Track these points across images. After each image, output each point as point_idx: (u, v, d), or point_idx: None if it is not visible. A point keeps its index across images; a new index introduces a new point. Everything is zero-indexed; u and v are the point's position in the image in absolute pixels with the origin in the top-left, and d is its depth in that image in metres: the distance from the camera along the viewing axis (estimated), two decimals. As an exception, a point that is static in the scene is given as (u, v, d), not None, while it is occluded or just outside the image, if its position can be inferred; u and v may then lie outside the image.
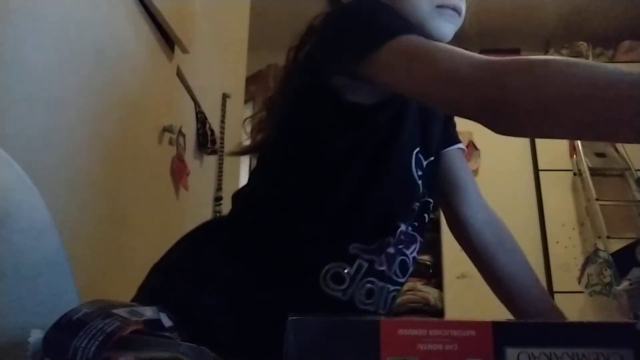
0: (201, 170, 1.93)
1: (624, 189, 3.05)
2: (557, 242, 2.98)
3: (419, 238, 0.84)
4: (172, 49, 1.55)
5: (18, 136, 0.85)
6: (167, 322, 0.50)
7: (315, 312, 0.40)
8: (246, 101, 2.88)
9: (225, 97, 2.20)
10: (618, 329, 0.40)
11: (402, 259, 0.81)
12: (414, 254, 0.84)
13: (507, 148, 3.04)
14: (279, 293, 0.73)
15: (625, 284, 0.76)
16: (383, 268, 0.78)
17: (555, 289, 2.83)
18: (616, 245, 2.12)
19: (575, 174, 3.11)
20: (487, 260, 0.96)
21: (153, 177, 1.46)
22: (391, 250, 0.79)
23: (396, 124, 0.81)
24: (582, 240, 2.99)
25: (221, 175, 2.14)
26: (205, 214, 2.04)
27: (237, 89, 2.49)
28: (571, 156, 3.14)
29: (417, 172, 0.83)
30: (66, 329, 0.43)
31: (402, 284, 0.83)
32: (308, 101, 0.81)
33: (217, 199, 2.11)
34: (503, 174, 3.07)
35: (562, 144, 3.11)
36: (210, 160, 2.04)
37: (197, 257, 0.80)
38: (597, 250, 2.50)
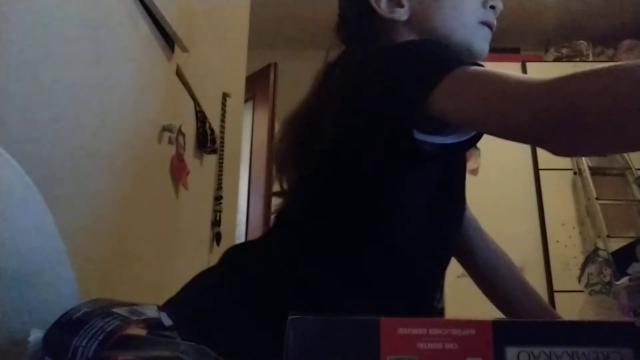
0: (201, 170, 1.93)
1: (624, 188, 3.06)
2: (557, 241, 2.98)
3: None
4: (172, 48, 1.55)
5: (17, 136, 0.85)
6: (167, 321, 0.50)
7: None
8: (246, 100, 2.88)
9: (225, 96, 2.20)
10: (618, 328, 0.40)
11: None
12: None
13: (507, 147, 3.04)
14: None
15: (624, 280, 0.76)
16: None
17: (555, 288, 2.83)
18: (616, 244, 2.11)
19: (575, 173, 3.11)
20: (478, 261, 0.99)
21: (152, 177, 1.46)
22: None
23: (450, 176, 0.82)
24: (582, 239, 2.99)
25: (221, 175, 2.14)
26: (205, 213, 2.04)
27: (237, 88, 2.49)
28: (571, 155, 3.15)
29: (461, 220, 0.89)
30: (66, 328, 0.43)
31: None
32: (371, 146, 0.76)
33: (217, 199, 2.11)
34: (503, 173, 3.07)
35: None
36: (210, 160, 2.04)
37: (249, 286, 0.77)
38: (597, 249, 2.50)
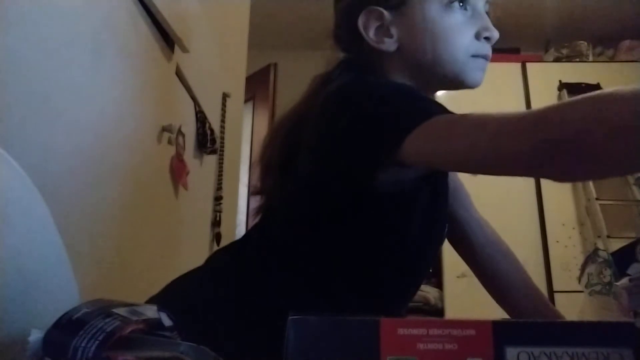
0: (201, 170, 1.93)
1: (624, 189, 3.06)
2: (557, 242, 2.98)
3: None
4: (172, 48, 1.55)
5: (17, 136, 0.85)
6: (167, 321, 0.50)
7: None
8: (246, 101, 2.88)
9: (225, 96, 2.20)
10: (618, 328, 0.40)
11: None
12: None
13: (507, 147, 3.04)
14: None
15: (624, 280, 0.76)
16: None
17: (555, 288, 2.83)
18: (616, 244, 2.11)
19: (575, 174, 3.11)
20: (484, 258, 0.99)
21: (152, 177, 1.46)
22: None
23: (430, 209, 0.81)
24: (582, 239, 2.99)
25: (221, 175, 2.14)
26: (205, 213, 2.04)
27: (237, 89, 2.49)
28: (571, 156, 3.14)
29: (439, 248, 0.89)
30: (66, 328, 0.43)
31: None
32: (340, 186, 0.76)
33: (217, 199, 2.11)
34: (503, 173, 3.07)
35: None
36: (210, 160, 2.04)
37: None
38: (597, 249, 2.50)
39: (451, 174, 0.99)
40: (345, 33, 0.87)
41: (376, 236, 0.77)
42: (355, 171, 0.72)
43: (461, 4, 0.82)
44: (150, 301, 0.80)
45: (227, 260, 0.87)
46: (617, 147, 0.51)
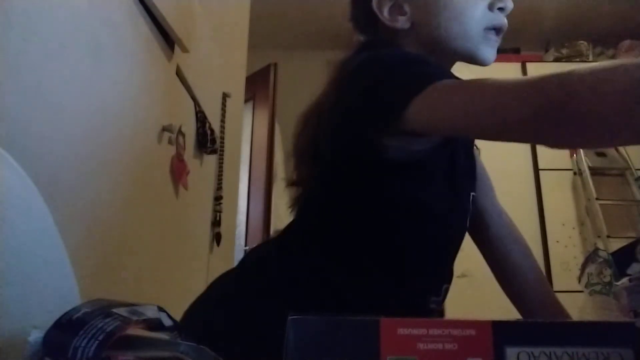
0: (201, 170, 1.93)
1: (624, 189, 3.06)
2: (557, 242, 2.98)
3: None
4: (172, 48, 1.55)
5: (17, 136, 0.85)
6: (167, 321, 0.50)
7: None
8: (246, 101, 2.88)
9: (225, 96, 2.20)
10: (618, 328, 0.40)
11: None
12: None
13: (507, 147, 3.04)
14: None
15: (624, 280, 0.76)
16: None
17: (555, 288, 2.81)
18: (616, 244, 2.12)
19: (575, 173, 3.11)
20: (502, 253, 0.99)
21: (152, 177, 1.46)
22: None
23: (451, 172, 0.80)
24: (582, 239, 2.99)
25: (221, 175, 2.14)
26: (205, 213, 2.04)
27: (237, 89, 2.49)
28: (571, 155, 3.15)
29: (467, 218, 0.86)
30: (66, 328, 0.43)
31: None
32: (356, 161, 0.77)
33: (217, 199, 2.11)
34: (503, 173, 3.06)
35: (562, 144, 3.11)
36: (210, 160, 2.04)
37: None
38: (597, 249, 2.50)
39: (478, 161, 0.99)
40: (362, 15, 0.88)
41: (398, 208, 0.77)
42: (364, 141, 0.73)
43: None
44: (197, 301, 0.83)
45: (269, 250, 0.88)
46: (618, 109, 0.51)
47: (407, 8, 0.84)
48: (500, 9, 0.82)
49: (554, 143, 0.60)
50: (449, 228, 0.83)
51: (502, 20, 0.82)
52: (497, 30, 0.82)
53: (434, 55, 0.82)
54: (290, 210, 0.89)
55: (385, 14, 0.84)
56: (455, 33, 0.81)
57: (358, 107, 0.72)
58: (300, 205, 0.88)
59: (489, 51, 0.82)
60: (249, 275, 0.83)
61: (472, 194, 0.87)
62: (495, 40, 0.83)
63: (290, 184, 0.89)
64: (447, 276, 0.86)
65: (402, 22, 0.84)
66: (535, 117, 0.56)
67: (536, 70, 3.35)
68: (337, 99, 0.78)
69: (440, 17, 0.81)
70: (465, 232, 0.87)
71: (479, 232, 1.01)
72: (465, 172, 0.86)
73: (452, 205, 0.82)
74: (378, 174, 0.76)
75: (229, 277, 0.88)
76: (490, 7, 0.82)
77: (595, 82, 0.53)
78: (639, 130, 0.52)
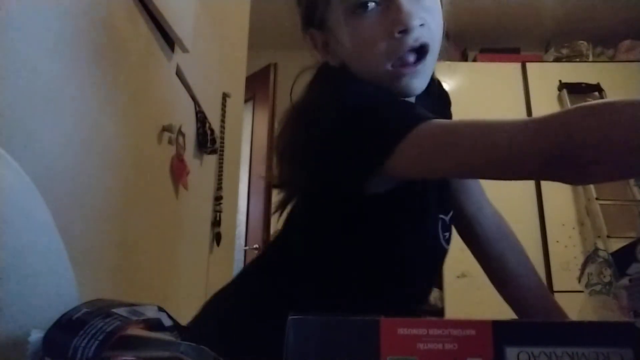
0: (201, 170, 1.93)
1: (624, 189, 3.06)
2: (557, 242, 2.98)
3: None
4: (172, 48, 1.55)
5: (17, 136, 0.85)
6: (167, 321, 0.50)
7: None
8: (246, 101, 2.88)
9: (225, 96, 2.20)
10: (618, 328, 0.40)
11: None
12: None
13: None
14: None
15: (624, 280, 0.76)
16: None
17: (555, 288, 2.83)
18: (616, 244, 2.12)
19: (575, 174, 3.11)
20: (495, 257, 0.98)
21: (152, 177, 1.46)
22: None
23: (419, 202, 0.79)
24: (582, 239, 2.99)
25: (221, 175, 2.14)
26: (205, 213, 2.04)
27: (237, 89, 2.49)
28: (571, 155, 3.14)
29: (443, 236, 0.83)
30: (66, 328, 0.43)
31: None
32: (332, 192, 0.74)
33: (217, 199, 2.11)
34: (503, 173, 3.07)
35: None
36: (210, 160, 2.04)
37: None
38: (597, 249, 2.49)
39: None
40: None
41: (369, 238, 0.76)
42: (343, 186, 0.71)
43: (366, 6, 0.72)
44: (192, 324, 0.81)
45: (254, 273, 0.89)
46: (627, 161, 0.52)
47: (332, 47, 0.79)
48: (403, 32, 0.71)
49: (556, 180, 0.61)
50: (423, 254, 0.82)
51: (409, 43, 0.71)
52: (415, 51, 0.73)
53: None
54: (273, 213, 0.89)
55: (319, 49, 0.81)
56: (366, 75, 0.74)
57: (337, 151, 0.68)
58: (286, 218, 0.87)
59: (406, 83, 0.73)
60: (242, 301, 0.82)
61: (442, 217, 0.85)
62: (411, 73, 0.73)
63: (274, 185, 0.89)
64: (427, 292, 0.89)
65: (332, 60, 0.80)
66: (541, 167, 0.56)
67: (536, 70, 3.34)
68: (309, 135, 0.72)
69: (353, 58, 0.76)
70: (444, 252, 0.86)
71: (471, 240, 1.00)
72: (435, 198, 0.84)
73: (423, 233, 0.82)
74: (351, 207, 0.75)
75: (224, 302, 0.87)
76: (391, 35, 0.71)
77: (604, 131, 0.52)
78: None
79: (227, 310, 0.82)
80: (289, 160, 0.80)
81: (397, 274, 0.79)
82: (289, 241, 0.84)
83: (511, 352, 0.39)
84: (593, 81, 3.22)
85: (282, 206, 0.84)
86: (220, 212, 2.10)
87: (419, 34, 0.72)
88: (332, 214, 0.77)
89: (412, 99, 0.79)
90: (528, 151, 0.57)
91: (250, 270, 0.91)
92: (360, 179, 0.68)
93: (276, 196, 0.87)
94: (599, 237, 2.85)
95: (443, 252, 0.85)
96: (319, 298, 0.75)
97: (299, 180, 0.78)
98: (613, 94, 3.11)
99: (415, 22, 0.71)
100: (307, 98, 0.79)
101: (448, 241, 0.85)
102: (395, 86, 0.74)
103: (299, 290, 0.77)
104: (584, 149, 0.53)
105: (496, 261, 0.98)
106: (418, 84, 0.75)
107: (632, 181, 2.99)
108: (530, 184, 3.10)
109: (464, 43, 3.61)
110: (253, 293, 0.82)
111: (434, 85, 0.87)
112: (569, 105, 2.72)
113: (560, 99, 3.25)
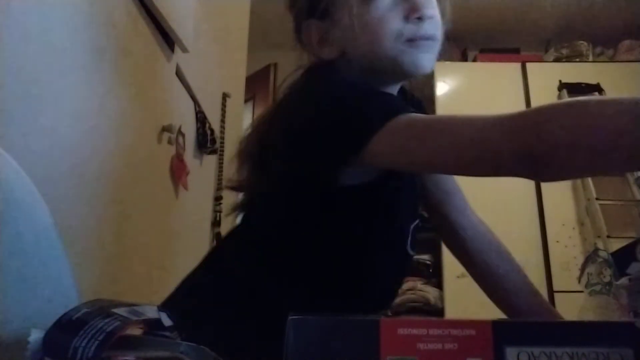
0: (201, 170, 1.93)
1: (624, 189, 3.05)
2: (557, 242, 2.98)
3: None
4: (172, 48, 1.55)
5: (17, 136, 0.85)
6: (167, 321, 0.50)
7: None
8: (246, 101, 2.88)
9: (225, 96, 2.20)
10: (618, 328, 0.40)
11: None
12: None
13: (507, 147, 3.04)
14: None
15: (624, 280, 0.76)
16: None
17: (555, 288, 2.83)
18: (616, 244, 2.12)
19: (575, 174, 3.11)
20: (480, 262, 0.99)
21: (152, 177, 1.46)
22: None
23: (392, 199, 0.80)
24: (582, 239, 2.99)
25: (221, 175, 2.14)
26: (205, 213, 2.04)
27: (237, 89, 2.49)
28: (571, 156, 3.14)
29: (411, 240, 0.85)
30: (66, 328, 0.43)
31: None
32: (299, 188, 0.76)
33: (217, 199, 2.11)
34: (503, 173, 3.07)
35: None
36: (210, 160, 2.04)
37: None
38: (597, 249, 2.49)
39: (445, 179, 0.99)
40: (301, 45, 0.87)
41: (343, 231, 0.77)
42: (319, 174, 0.72)
43: None
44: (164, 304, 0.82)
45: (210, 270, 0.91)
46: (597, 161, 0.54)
47: (332, 38, 0.81)
48: (419, 19, 0.77)
49: (537, 179, 0.62)
50: (391, 253, 0.83)
51: (422, 31, 0.77)
52: (426, 38, 0.77)
53: (370, 77, 0.79)
54: (227, 215, 0.90)
55: (314, 44, 0.83)
56: (376, 52, 0.77)
57: (313, 140, 0.70)
58: (243, 218, 0.88)
59: (418, 58, 0.77)
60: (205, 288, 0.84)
61: (411, 220, 0.86)
62: (427, 45, 0.77)
63: (232, 187, 0.88)
64: (392, 295, 0.90)
65: (328, 53, 0.82)
66: (512, 164, 0.58)
67: (536, 70, 3.34)
68: (288, 125, 0.75)
69: (359, 40, 0.78)
70: (409, 257, 0.87)
71: (457, 247, 1.01)
72: (406, 203, 0.85)
73: (391, 234, 0.82)
74: (325, 198, 0.75)
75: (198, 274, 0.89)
76: (407, 19, 0.76)
77: (573, 135, 0.54)
78: (624, 160, 0.54)
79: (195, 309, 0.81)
80: (257, 159, 0.82)
81: (362, 272, 0.79)
82: (248, 238, 0.84)
83: (511, 352, 0.39)
84: (593, 81, 3.22)
85: (241, 207, 0.87)
86: (220, 212, 2.10)
87: (429, 26, 0.77)
88: (301, 207, 0.78)
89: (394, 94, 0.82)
90: (499, 149, 0.59)
91: (210, 267, 0.92)
92: (336, 165, 0.70)
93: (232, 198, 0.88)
94: (599, 237, 2.85)
95: (409, 257, 0.86)
96: (281, 296, 0.75)
97: (269, 177, 0.79)
98: (613, 94, 3.10)
99: (430, 13, 0.77)
100: (288, 94, 0.82)
101: (413, 247, 0.86)
102: (407, 61, 0.77)
103: (261, 288, 0.77)
104: (553, 150, 0.54)
105: (484, 269, 0.99)
106: (427, 60, 0.78)
107: (632, 181, 2.99)
108: (530, 184, 3.09)
109: (464, 43, 3.61)
110: (215, 291, 0.83)
111: (410, 94, 0.91)
112: (569, 105, 2.72)
113: (560, 99, 3.25)
